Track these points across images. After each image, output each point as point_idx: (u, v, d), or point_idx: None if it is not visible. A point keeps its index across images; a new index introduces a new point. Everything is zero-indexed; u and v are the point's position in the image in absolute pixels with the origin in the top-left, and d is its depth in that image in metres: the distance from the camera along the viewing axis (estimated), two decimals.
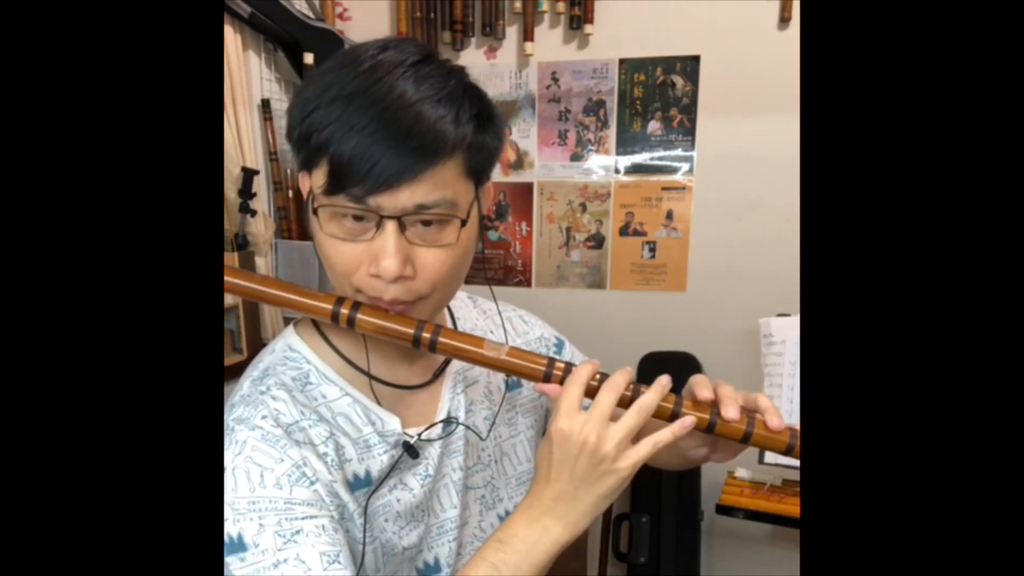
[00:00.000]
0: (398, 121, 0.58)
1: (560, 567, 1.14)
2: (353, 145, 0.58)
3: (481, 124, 0.63)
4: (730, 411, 0.64)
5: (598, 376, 0.64)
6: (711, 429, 0.64)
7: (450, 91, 0.61)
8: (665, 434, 0.62)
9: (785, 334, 1.46)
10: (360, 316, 0.63)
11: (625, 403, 0.63)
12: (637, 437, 0.62)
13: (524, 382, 0.89)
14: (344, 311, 0.64)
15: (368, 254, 0.61)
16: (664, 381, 0.64)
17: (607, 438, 0.60)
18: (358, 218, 0.61)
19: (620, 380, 0.63)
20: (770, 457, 1.44)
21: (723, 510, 1.59)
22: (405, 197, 0.59)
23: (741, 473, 1.68)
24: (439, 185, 0.60)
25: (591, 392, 0.63)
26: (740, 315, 1.84)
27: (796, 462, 1.41)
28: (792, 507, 1.54)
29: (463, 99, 0.62)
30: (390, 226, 0.60)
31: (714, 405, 0.65)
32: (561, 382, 0.64)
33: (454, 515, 0.77)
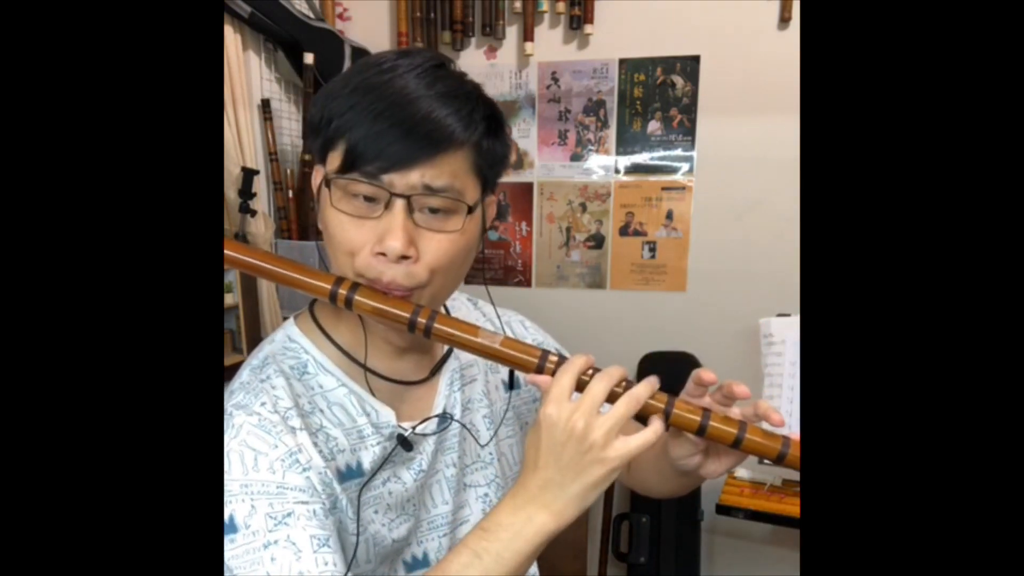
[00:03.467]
0: (410, 112, 0.61)
1: (560, 567, 1.14)
2: (367, 130, 0.61)
3: (492, 128, 0.66)
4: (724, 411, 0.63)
5: (591, 371, 0.62)
6: (703, 432, 0.63)
7: (464, 93, 0.65)
8: (657, 426, 0.61)
9: (785, 334, 1.46)
10: (358, 297, 0.64)
11: (616, 400, 0.61)
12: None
13: (523, 383, 0.90)
14: (343, 291, 0.64)
15: (374, 234, 0.63)
16: (653, 380, 0.63)
17: (596, 426, 0.59)
18: (368, 199, 0.63)
19: (614, 372, 0.61)
20: None
21: (723, 510, 1.59)
22: (415, 177, 0.62)
23: (741, 473, 1.68)
24: (448, 173, 0.63)
25: (583, 386, 0.61)
26: (740, 315, 1.84)
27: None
28: (792, 507, 1.54)
29: (476, 102, 0.65)
30: (399, 204, 0.63)
31: (707, 409, 0.63)
32: (553, 374, 0.63)
33: (446, 511, 0.77)
